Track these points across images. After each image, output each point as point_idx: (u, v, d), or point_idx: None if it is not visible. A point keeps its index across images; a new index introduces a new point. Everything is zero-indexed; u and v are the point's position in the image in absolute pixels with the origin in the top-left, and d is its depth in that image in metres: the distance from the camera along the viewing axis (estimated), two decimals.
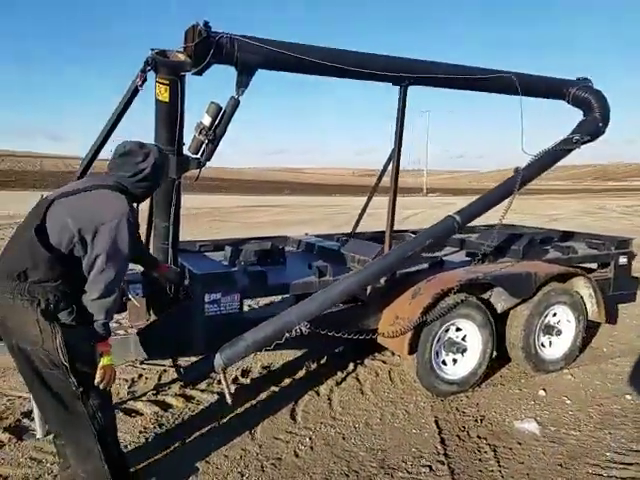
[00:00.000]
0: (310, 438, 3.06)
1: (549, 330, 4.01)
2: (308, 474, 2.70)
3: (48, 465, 2.77)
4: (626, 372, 4.09)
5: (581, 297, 4.12)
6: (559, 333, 4.05)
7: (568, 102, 4.32)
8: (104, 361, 2.23)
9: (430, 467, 2.77)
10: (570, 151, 4.02)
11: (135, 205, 2.37)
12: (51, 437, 2.90)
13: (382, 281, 3.54)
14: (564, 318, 4.07)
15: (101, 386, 2.24)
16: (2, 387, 3.76)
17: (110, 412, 2.43)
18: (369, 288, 3.58)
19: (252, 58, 2.87)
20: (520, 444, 3.01)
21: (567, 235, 5.44)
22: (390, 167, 3.67)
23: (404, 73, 3.35)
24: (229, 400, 2.91)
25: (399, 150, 3.52)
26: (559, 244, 4.72)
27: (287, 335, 2.92)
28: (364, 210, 4.56)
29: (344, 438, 3.07)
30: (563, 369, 4.07)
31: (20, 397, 3.56)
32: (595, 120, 4.12)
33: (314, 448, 2.96)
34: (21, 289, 2.10)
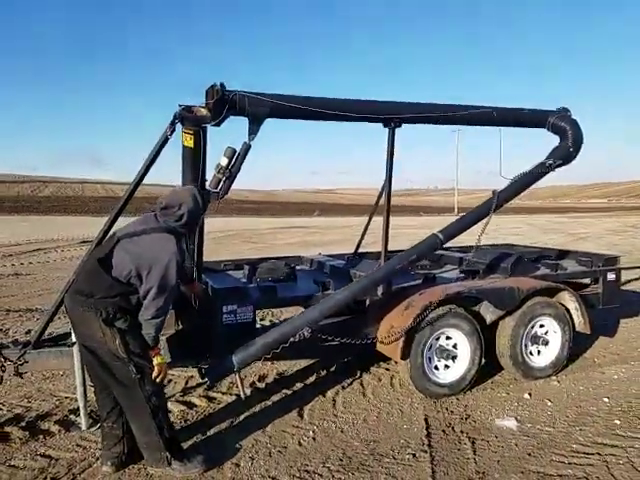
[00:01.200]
0: (313, 431, 3.54)
1: (536, 340, 4.40)
2: (308, 458, 3.18)
3: (91, 450, 3.31)
4: (610, 379, 4.43)
5: (567, 310, 4.50)
6: (546, 343, 4.43)
7: (548, 130, 4.72)
8: (157, 360, 2.91)
9: (414, 454, 3.21)
10: (544, 174, 4.44)
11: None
12: (93, 429, 3.51)
13: (379, 293, 4.02)
14: (551, 329, 4.45)
15: (158, 379, 2.91)
16: (52, 389, 4.37)
17: (162, 397, 3.07)
18: (368, 301, 4.07)
19: (260, 110, 3.47)
20: (497, 437, 3.42)
21: (562, 253, 5.81)
22: (383, 196, 4.17)
23: (392, 114, 3.88)
24: (243, 395, 3.45)
25: (390, 182, 4.04)
26: (549, 262, 5.11)
27: (292, 339, 3.44)
28: (365, 232, 5.07)
29: (342, 431, 3.54)
30: (551, 376, 4.44)
31: (67, 397, 4.16)
32: (567, 146, 4.51)
33: (316, 439, 3.44)
34: (88, 303, 2.79)
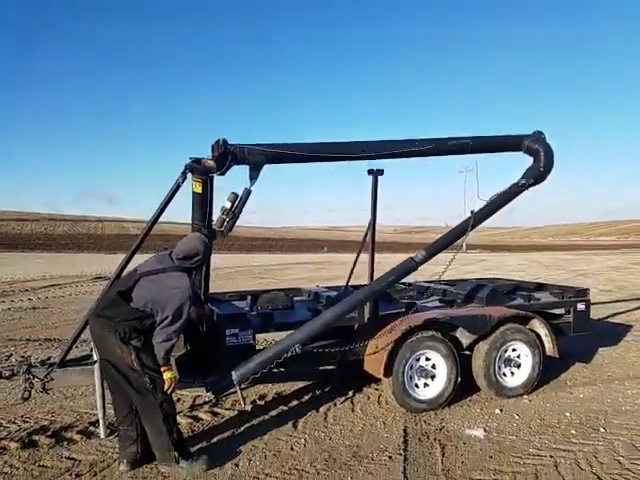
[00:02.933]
0: (304, 439, 4.02)
1: (509, 362, 4.88)
2: (298, 460, 3.66)
3: (110, 454, 3.80)
4: (576, 398, 4.89)
5: (538, 336, 4.98)
6: (518, 365, 4.90)
7: (524, 152, 5.13)
8: (167, 375, 3.46)
9: (390, 457, 3.69)
10: (518, 193, 4.85)
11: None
12: (111, 437, 4.01)
13: (365, 316, 4.53)
14: (522, 352, 4.92)
15: (169, 391, 3.47)
16: (72, 406, 4.88)
17: (172, 405, 3.59)
18: (356, 326, 4.60)
19: (259, 159, 4.12)
20: (465, 444, 3.89)
21: (539, 286, 6.32)
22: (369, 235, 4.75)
23: (370, 152, 4.43)
24: (243, 405, 3.97)
25: (374, 221, 4.64)
26: (524, 293, 5.61)
27: (285, 355, 3.96)
28: (354, 266, 5.63)
29: (330, 439, 4.02)
30: (522, 395, 4.89)
31: (86, 413, 4.66)
32: (538, 167, 4.91)
33: (306, 445, 3.92)
34: (109, 325, 3.40)
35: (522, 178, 4.97)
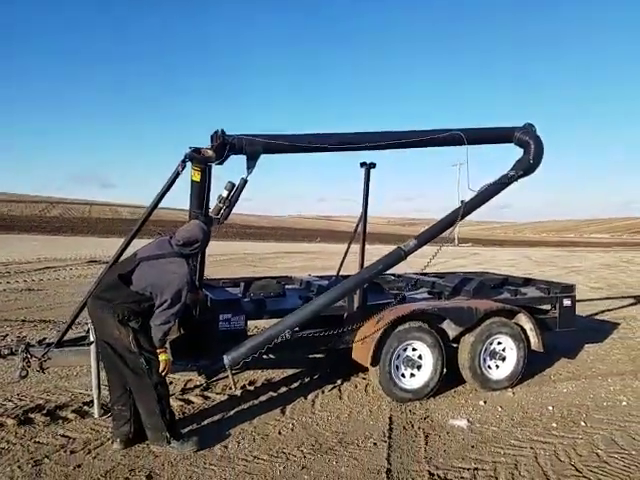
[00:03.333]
0: (292, 424, 4.14)
1: (494, 355, 4.99)
2: (285, 444, 3.78)
3: (103, 433, 3.90)
4: (559, 392, 5.01)
5: (523, 329, 5.09)
6: (503, 358, 5.02)
7: (515, 144, 5.22)
8: (163, 357, 3.57)
9: (375, 443, 3.80)
10: (507, 184, 4.96)
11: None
12: (105, 417, 4.11)
13: (354, 305, 4.64)
14: (507, 346, 5.03)
15: (163, 373, 3.56)
16: (67, 386, 4.98)
17: (166, 387, 3.69)
18: (345, 315, 4.70)
19: (255, 149, 4.19)
20: (448, 433, 4.01)
21: (526, 281, 6.44)
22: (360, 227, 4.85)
23: (363, 143, 4.52)
24: (234, 389, 4.09)
25: (365, 213, 4.73)
26: (511, 288, 5.72)
27: (276, 340, 4.06)
28: (345, 256, 5.74)
29: (317, 425, 4.13)
30: (507, 388, 5.02)
31: (81, 393, 4.76)
32: (528, 159, 5.01)
33: (294, 430, 4.03)
34: (108, 307, 3.48)
35: (511, 170, 5.07)
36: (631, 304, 10.94)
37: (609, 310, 10.04)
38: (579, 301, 11.07)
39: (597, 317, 9.27)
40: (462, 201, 4.88)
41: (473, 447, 3.78)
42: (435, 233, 4.82)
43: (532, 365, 5.53)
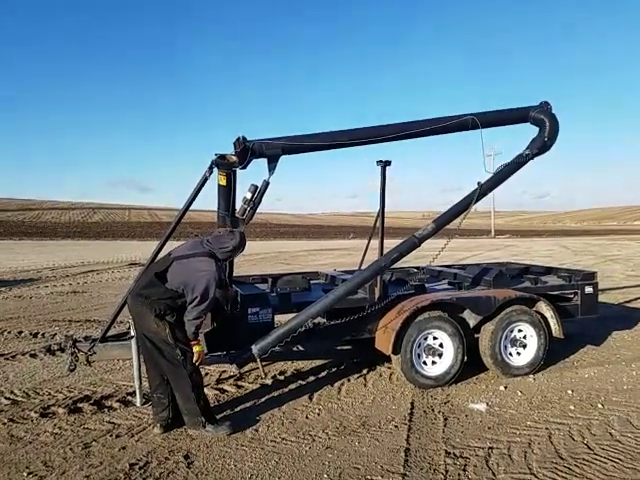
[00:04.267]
0: (319, 409, 4.40)
1: (515, 343, 5.13)
2: (312, 427, 4.04)
3: (145, 419, 4.25)
4: (581, 377, 5.12)
5: (543, 317, 5.21)
6: (524, 345, 5.15)
7: (531, 123, 5.27)
8: (196, 348, 3.89)
9: (396, 426, 4.03)
10: (523, 164, 5.03)
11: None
12: (146, 405, 4.46)
13: (375, 295, 4.87)
14: (528, 333, 5.16)
15: (197, 363, 3.88)
16: (111, 379, 5.37)
17: (200, 375, 4.02)
18: (368, 306, 4.92)
19: (275, 151, 4.48)
20: (467, 416, 4.20)
21: (547, 269, 6.52)
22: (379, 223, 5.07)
23: (378, 136, 4.72)
24: (264, 376, 4.39)
25: (383, 209, 4.94)
26: (532, 276, 5.83)
27: (300, 329, 4.34)
28: (366, 249, 5.96)
29: (342, 410, 4.38)
30: (528, 374, 5.15)
31: (124, 385, 5.14)
32: (543, 137, 5.07)
33: (320, 415, 4.29)
34: (146, 303, 3.81)
35: (527, 149, 5.12)
36: None
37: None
38: (612, 289, 11.05)
39: (629, 305, 9.21)
40: (478, 182, 4.94)
41: (490, 428, 3.96)
42: (453, 215, 4.90)
43: (556, 351, 5.66)
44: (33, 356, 6.14)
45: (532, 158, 5.10)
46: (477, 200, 4.87)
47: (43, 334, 7.34)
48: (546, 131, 5.11)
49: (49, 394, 4.85)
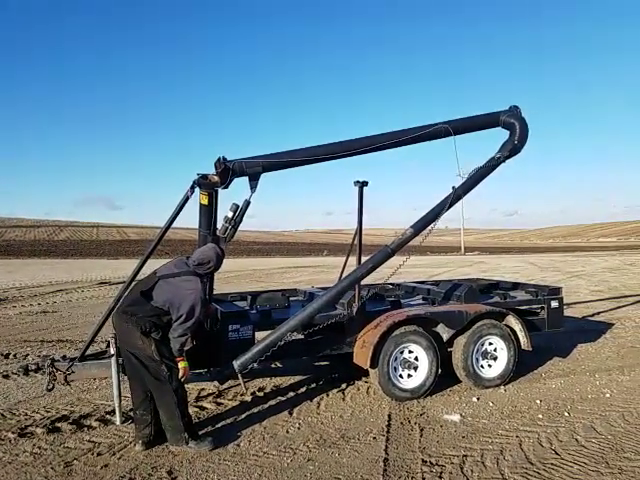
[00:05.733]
0: (299, 424, 4.50)
1: (486, 355, 5.34)
2: (292, 440, 4.14)
3: (126, 437, 4.27)
4: (549, 388, 5.35)
5: (512, 330, 5.44)
6: (495, 358, 5.36)
7: (501, 127, 5.46)
8: (182, 364, 3.96)
9: (374, 437, 4.16)
10: (495, 167, 5.21)
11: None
12: (126, 424, 4.48)
13: (353, 312, 5.01)
14: (498, 346, 5.38)
15: (182, 379, 3.96)
16: (89, 398, 5.34)
17: (184, 391, 4.08)
18: (346, 321, 5.06)
19: (256, 169, 4.62)
20: (442, 426, 4.36)
21: (516, 285, 6.80)
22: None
23: (353, 150, 4.88)
24: (245, 390, 4.47)
25: (360, 228, 5.12)
26: (501, 292, 6.08)
27: (280, 343, 4.44)
28: (344, 267, 6.12)
29: (322, 423, 4.49)
30: (499, 386, 5.35)
31: (102, 404, 5.13)
32: (513, 141, 5.26)
33: (300, 429, 4.39)
34: (131, 320, 3.89)
35: (498, 152, 5.31)
36: (627, 305, 11.26)
37: (605, 311, 10.36)
38: (577, 303, 11.48)
39: (593, 318, 9.59)
40: (453, 187, 5.09)
41: (464, 437, 4.13)
42: (429, 220, 5.01)
43: (525, 363, 5.89)
44: (6, 377, 6.06)
45: (503, 161, 5.26)
46: (452, 204, 4.98)
47: (15, 355, 7.23)
48: (516, 135, 5.28)
49: (26, 414, 4.81)
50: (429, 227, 5.00)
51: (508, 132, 5.46)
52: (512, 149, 5.30)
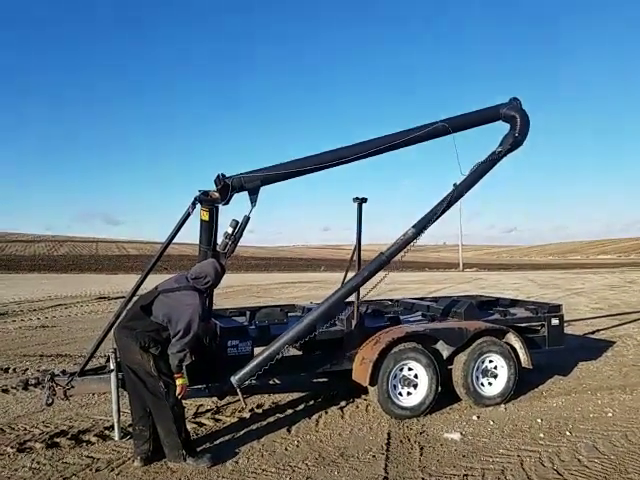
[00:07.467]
0: (297, 441, 4.46)
1: (486, 373, 5.31)
2: (291, 458, 4.10)
3: (124, 453, 4.24)
4: (550, 407, 5.31)
5: (512, 348, 5.42)
6: (495, 376, 5.34)
7: (502, 120, 5.35)
8: (180, 381, 3.95)
9: (374, 456, 4.13)
10: (497, 161, 5.10)
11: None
12: (125, 439, 4.45)
13: (352, 330, 5.00)
14: (498, 364, 5.36)
15: (180, 396, 3.94)
16: (88, 413, 5.32)
17: (182, 408, 4.08)
18: (345, 338, 5.05)
19: (255, 184, 4.65)
20: (442, 445, 4.33)
21: (516, 302, 6.79)
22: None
23: (348, 156, 4.84)
24: (244, 405, 4.47)
25: (359, 244, 5.14)
26: (501, 309, 6.08)
27: (277, 357, 4.43)
28: (344, 281, 6.10)
29: (321, 441, 4.46)
30: (499, 404, 5.32)
31: (101, 419, 5.11)
32: (514, 134, 5.15)
33: (299, 446, 4.36)
34: (131, 335, 3.89)
35: (499, 146, 5.21)
36: (628, 322, 11.23)
37: (606, 329, 10.33)
38: (577, 320, 11.43)
39: (593, 336, 9.56)
40: (454, 184, 5.01)
41: (464, 456, 4.09)
42: (432, 217, 4.94)
43: (525, 382, 5.85)
44: (5, 391, 6.04)
45: (505, 155, 5.16)
46: (454, 201, 4.91)
47: (14, 369, 7.20)
48: (517, 127, 5.17)
49: (25, 429, 4.79)
50: (429, 226, 4.91)
51: (509, 125, 5.34)
52: (513, 142, 5.18)
